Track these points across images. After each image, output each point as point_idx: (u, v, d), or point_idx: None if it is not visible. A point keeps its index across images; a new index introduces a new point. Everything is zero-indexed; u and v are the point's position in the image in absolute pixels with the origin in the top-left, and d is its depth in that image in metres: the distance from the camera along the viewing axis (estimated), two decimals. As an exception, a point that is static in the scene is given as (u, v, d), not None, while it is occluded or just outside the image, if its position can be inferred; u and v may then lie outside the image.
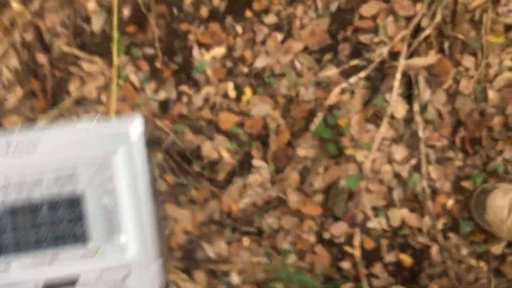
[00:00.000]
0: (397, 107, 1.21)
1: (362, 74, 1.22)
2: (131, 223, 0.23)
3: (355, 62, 1.24)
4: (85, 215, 0.23)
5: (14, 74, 1.37)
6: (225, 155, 1.28)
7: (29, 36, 1.38)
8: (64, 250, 0.23)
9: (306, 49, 1.28)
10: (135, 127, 0.24)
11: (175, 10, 1.33)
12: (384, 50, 1.22)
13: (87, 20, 1.36)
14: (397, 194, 1.19)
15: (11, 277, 0.20)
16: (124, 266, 0.21)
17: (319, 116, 1.20)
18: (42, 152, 0.23)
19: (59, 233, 0.22)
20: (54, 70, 1.36)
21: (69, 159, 0.23)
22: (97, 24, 1.36)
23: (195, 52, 1.30)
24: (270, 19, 1.28)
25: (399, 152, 1.20)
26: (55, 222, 0.23)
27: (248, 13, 1.30)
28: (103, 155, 0.23)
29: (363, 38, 1.24)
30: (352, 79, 1.23)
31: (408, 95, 1.24)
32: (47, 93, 1.35)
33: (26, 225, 0.23)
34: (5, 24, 1.43)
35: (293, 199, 1.22)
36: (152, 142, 0.29)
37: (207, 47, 1.32)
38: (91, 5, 1.38)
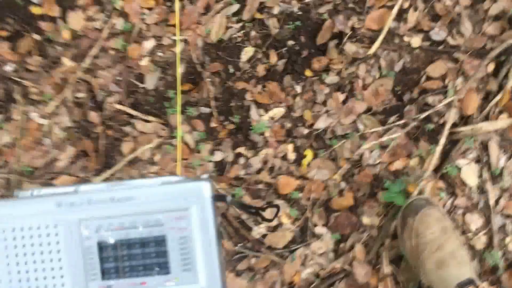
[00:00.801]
0: (469, 174, 1.13)
1: (430, 137, 1.15)
2: (201, 261, 0.30)
3: (422, 124, 1.18)
4: (167, 252, 0.30)
5: (66, 132, 1.34)
6: (285, 221, 1.21)
7: (81, 94, 1.35)
8: (151, 278, 0.31)
9: (369, 110, 1.22)
10: (206, 187, 0.31)
11: (231, 68, 1.30)
12: (453, 113, 1.15)
13: (140, 78, 1.33)
14: (473, 267, 1.10)
15: None
16: None
17: (387, 182, 1.13)
18: (137, 203, 0.31)
19: (148, 265, 0.30)
20: (107, 130, 1.32)
21: (156, 209, 0.31)
22: (150, 82, 1.33)
23: (253, 112, 1.25)
24: (331, 78, 1.23)
25: (474, 221, 1.12)
26: (145, 256, 0.30)
27: (308, 72, 1.25)
28: (181, 208, 0.30)
29: (431, 99, 1.18)
30: (421, 143, 1.16)
31: (480, 161, 1.16)
32: (100, 153, 1.32)
33: (124, 256, 0.30)
34: (56, 81, 1.40)
35: (360, 271, 1.14)
36: (218, 198, 0.33)
37: (265, 107, 1.27)
38: (144, 63, 1.35)
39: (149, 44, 1.38)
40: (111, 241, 0.31)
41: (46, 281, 0.30)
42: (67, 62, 1.43)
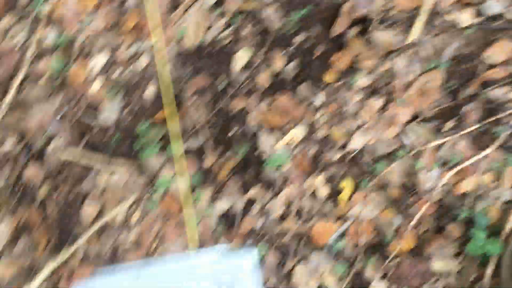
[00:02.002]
0: None
1: (504, 143, 0.85)
2: None
3: (490, 127, 0.87)
4: None
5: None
6: (329, 282, 0.87)
7: (9, 144, 0.93)
8: None
9: (416, 117, 0.90)
10: (253, 258, 0.30)
11: (221, 82, 0.93)
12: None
13: (93, 110, 0.93)
14: None
15: None
16: None
17: (461, 213, 0.83)
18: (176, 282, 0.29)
19: None
20: (55, 190, 0.92)
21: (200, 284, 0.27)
22: (108, 114, 0.93)
23: (262, 139, 0.89)
24: (361, 81, 0.89)
25: None
26: None
27: (328, 76, 0.91)
28: (227, 282, 0.28)
29: (496, 93, 0.87)
30: (492, 153, 0.85)
31: None
32: (50, 224, 0.91)
33: None
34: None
35: None
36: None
37: (277, 130, 0.91)
38: (96, 87, 0.95)
39: (99, 60, 0.97)
40: None
41: None
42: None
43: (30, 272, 0.95)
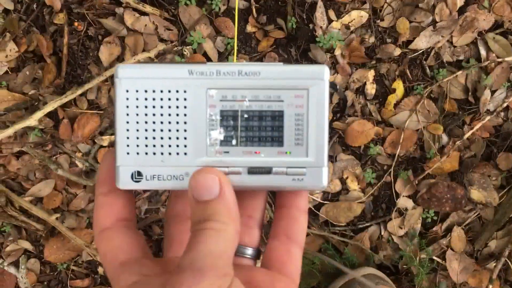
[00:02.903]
0: None
1: None
2: (313, 137, 0.32)
3: None
4: (283, 127, 0.32)
5: (4, 19, 0.80)
6: (354, 186, 0.79)
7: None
8: (265, 148, 0.32)
9: (499, 27, 0.78)
10: (326, 72, 0.32)
11: None
12: None
13: None
14: None
15: (227, 160, 0.32)
16: (304, 166, 0.32)
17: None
18: (261, 78, 0.32)
19: (263, 136, 0.32)
20: (74, 21, 0.80)
21: (278, 86, 0.32)
22: None
23: (319, 13, 0.78)
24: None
25: None
26: (262, 128, 0.33)
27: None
28: (301, 87, 0.32)
29: None
30: None
31: None
32: (62, 59, 0.80)
33: (243, 127, 0.33)
34: None
35: (455, 267, 0.76)
36: (331, 84, 0.31)
37: (338, 7, 0.79)
38: None
39: None
40: (233, 111, 0.32)
41: (171, 141, 0.32)
42: None
43: (32, 105, 0.86)
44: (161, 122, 0.32)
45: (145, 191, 0.90)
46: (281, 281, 0.34)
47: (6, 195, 0.86)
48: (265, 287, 0.34)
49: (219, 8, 0.84)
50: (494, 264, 0.84)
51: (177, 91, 0.33)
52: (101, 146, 0.87)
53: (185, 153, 0.33)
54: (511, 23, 0.83)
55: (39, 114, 0.84)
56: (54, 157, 0.87)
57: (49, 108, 0.85)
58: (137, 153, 0.33)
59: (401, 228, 0.85)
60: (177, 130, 0.33)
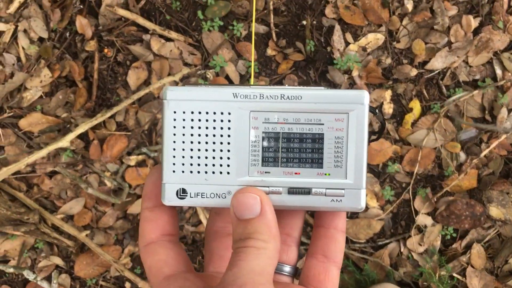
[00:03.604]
0: None
1: None
2: (352, 160, 0.33)
3: None
4: (322, 149, 0.33)
5: (39, 47, 0.85)
6: (373, 204, 0.80)
7: None
8: (305, 169, 0.33)
9: (513, 47, 0.80)
10: (366, 96, 0.32)
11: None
12: None
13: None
14: None
15: (268, 180, 0.33)
16: (342, 187, 0.33)
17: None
18: (303, 102, 0.33)
19: (303, 158, 0.33)
20: (104, 48, 0.85)
21: (319, 110, 0.33)
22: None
23: (336, 37, 0.80)
24: (462, -7, 0.79)
25: None
26: (302, 150, 0.34)
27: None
28: (342, 111, 0.33)
29: None
30: None
31: None
32: (92, 83, 0.85)
33: (284, 148, 0.34)
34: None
35: (475, 283, 0.77)
36: (370, 108, 0.32)
37: (355, 30, 0.82)
38: None
39: None
40: (275, 133, 0.34)
41: (214, 160, 0.34)
42: None
43: (64, 127, 0.91)
44: (206, 142, 0.34)
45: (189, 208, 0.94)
46: None
47: (39, 213, 0.91)
48: None
49: (240, 33, 0.88)
50: (516, 282, 0.84)
51: (222, 113, 0.34)
52: (129, 166, 0.91)
53: (228, 172, 0.34)
54: (526, 42, 0.85)
55: (71, 136, 0.88)
56: (85, 176, 0.91)
57: (80, 130, 0.90)
58: (182, 171, 0.34)
59: (420, 245, 0.87)
60: (221, 150, 0.34)
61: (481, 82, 0.86)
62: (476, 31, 0.86)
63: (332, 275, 0.35)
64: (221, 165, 0.34)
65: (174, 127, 0.34)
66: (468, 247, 0.86)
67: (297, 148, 0.34)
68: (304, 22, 0.87)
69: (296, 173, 0.34)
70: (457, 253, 0.86)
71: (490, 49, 0.85)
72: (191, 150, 0.34)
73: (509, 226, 0.84)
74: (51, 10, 0.91)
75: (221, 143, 0.34)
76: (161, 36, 0.90)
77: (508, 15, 0.85)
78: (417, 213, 0.87)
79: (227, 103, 0.34)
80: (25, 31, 0.92)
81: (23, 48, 0.93)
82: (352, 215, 0.88)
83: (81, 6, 0.91)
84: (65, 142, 0.89)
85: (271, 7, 0.87)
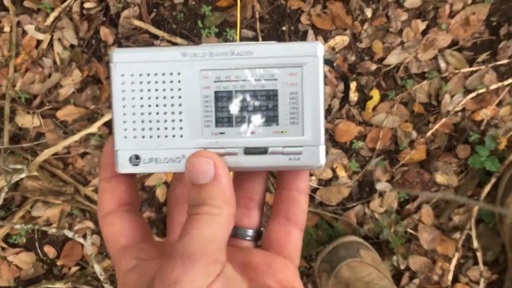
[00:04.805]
0: None
1: None
2: (308, 115, 0.32)
3: None
4: (277, 106, 0.32)
5: (70, 52, 1.06)
6: (342, 174, 1.00)
7: (90, 4, 1.05)
8: (261, 128, 0.32)
9: (455, 45, 0.98)
10: (320, 48, 0.32)
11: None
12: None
13: (166, -13, 1.04)
14: None
15: (223, 141, 0.32)
16: (300, 145, 0.32)
17: (473, 135, 0.93)
18: (254, 58, 0.32)
19: (259, 116, 0.32)
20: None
21: (272, 65, 0.32)
22: (178, -7, 1.05)
23: (310, 39, 0.99)
24: (412, 1, 0.96)
25: None
26: (257, 108, 0.32)
27: (382, -8, 0.98)
28: (295, 65, 0.32)
29: None
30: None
31: None
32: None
33: (237, 107, 0.32)
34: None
35: (426, 237, 0.96)
36: (327, 61, 0.33)
37: (325, 34, 1.01)
38: (170, -33, 1.06)
39: None
40: (227, 91, 0.33)
41: (166, 123, 0.33)
42: (69, -40, 1.11)
43: (93, 117, 1.12)
44: (157, 105, 0.32)
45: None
46: (279, 262, 0.34)
47: (74, 186, 1.12)
48: (262, 268, 0.34)
49: (233, 38, 1.08)
50: (459, 235, 1.04)
51: (171, 74, 0.32)
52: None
53: (181, 136, 0.33)
54: (464, 41, 1.04)
55: (98, 123, 1.09)
56: (109, 156, 1.12)
57: (105, 118, 1.11)
58: (134, 137, 0.33)
59: (381, 206, 1.06)
60: (173, 113, 0.32)
61: (428, 74, 1.05)
62: (424, 32, 1.05)
63: (293, 237, 0.35)
64: (173, 128, 0.33)
65: (123, 91, 0.33)
66: (419, 207, 1.06)
67: (251, 106, 0.32)
68: (284, 28, 1.07)
69: (252, 133, 0.32)
70: (410, 213, 1.06)
71: (435, 47, 1.04)
72: (142, 114, 0.33)
73: (451, 190, 1.04)
74: (80, 22, 1.12)
75: (172, 105, 0.32)
76: (168, 41, 1.10)
77: (450, 19, 1.04)
78: (378, 181, 1.06)
79: (176, 63, 0.32)
80: (59, 39, 1.13)
81: (58, 53, 1.14)
82: (326, 184, 1.08)
83: (104, 18, 1.12)
84: (93, 128, 1.10)
85: (257, 16, 1.07)
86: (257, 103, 0.32)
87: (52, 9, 1.11)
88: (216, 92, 0.32)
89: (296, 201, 0.35)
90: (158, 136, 0.33)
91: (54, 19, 1.13)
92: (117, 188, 0.34)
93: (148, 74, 0.32)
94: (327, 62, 0.33)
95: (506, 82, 1.01)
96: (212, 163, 0.30)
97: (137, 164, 0.33)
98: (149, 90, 0.32)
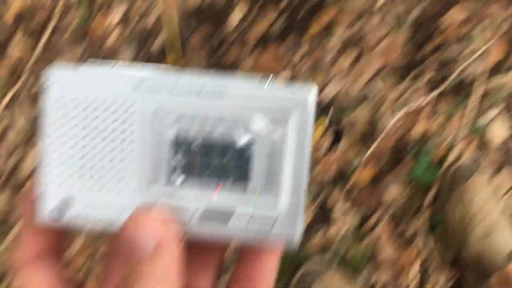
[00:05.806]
0: (497, 131, 1.02)
1: (455, 93, 1.01)
2: (288, 177, 0.26)
3: (444, 80, 1.04)
4: (250, 163, 0.26)
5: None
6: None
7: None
8: (227, 186, 0.26)
9: (383, 68, 1.07)
10: (312, 95, 0.26)
11: (218, 35, 1.10)
12: (478, 63, 1.01)
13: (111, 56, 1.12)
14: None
15: (179, 196, 0.26)
16: (274, 211, 0.26)
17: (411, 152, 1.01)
18: (226, 101, 0.26)
19: (225, 172, 0.26)
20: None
21: (248, 111, 0.26)
22: (124, 58, 1.12)
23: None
24: (340, 34, 1.06)
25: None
26: (223, 163, 0.26)
27: (313, 30, 1.07)
28: (279, 114, 0.26)
29: (453, 50, 1.03)
30: (444, 101, 1.02)
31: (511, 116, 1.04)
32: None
33: (199, 157, 0.26)
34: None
35: (388, 249, 1.02)
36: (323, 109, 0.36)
37: (268, 73, 1.08)
38: (113, 38, 1.14)
39: (118, 12, 1.15)
40: (188, 139, 0.27)
41: (110, 166, 0.27)
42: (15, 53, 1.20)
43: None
44: (103, 139, 0.27)
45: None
46: None
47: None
48: None
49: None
50: (418, 242, 1.10)
51: (122, 104, 0.26)
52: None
53: (125, 185, 0.27)
54: (393, 63, 1.13)
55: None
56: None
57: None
58: (68, 176, 0.27)
59: (339, 230, 1.13)
60: (122, 151, 0.27)
61: (362, 99, 1.13)
62: (356, 61, 1.14)
63: None
64: (117, 175, 0.27)
65: (61, 117, 0.26)
66: (376, 223, 1.12)
67: (216, 161, 0.27)
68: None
69: (214, 191, 0.27)
70: (368, 230, 1.13)
71: (366, 72, 1.13)
72: (82, 147, 0.27)
73: (402, 200, 1.11)
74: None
75: (121, 141, 0.27)
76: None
77: (376, 46, 1.13)
78: (335, 204, 1.13)
79: (130, 94, 0.26)
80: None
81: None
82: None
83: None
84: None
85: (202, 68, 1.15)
86: (224, 159, 0.27)
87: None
88: (174, 137, 0.27)
89: (263, 262, 0.29)
90: (98, 180, 0.27)
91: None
92: (40, 234, 0.28)
93: (94, 101, 0.26)
94: (323, 111, 0.30)
95: (435, 93, 1.10)
96: (155, 234, 0.24)
97: (65, 213, 0.27)
98: (94, 119, 0.26)
